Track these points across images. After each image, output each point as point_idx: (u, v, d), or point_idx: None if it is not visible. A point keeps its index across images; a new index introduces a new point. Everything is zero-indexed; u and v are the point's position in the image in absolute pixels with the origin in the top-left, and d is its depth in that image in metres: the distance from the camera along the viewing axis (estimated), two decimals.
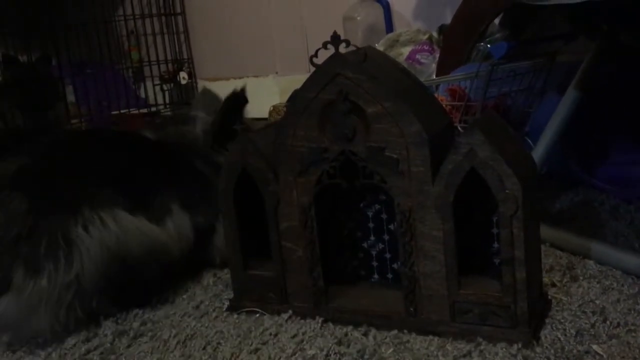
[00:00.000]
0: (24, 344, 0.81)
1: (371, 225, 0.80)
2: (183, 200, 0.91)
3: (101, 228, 0.81)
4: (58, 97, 2.01)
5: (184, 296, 0.90)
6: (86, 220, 0.81)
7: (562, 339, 0.69)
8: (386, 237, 0.80)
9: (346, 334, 0.75)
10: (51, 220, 0.80)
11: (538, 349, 0.68)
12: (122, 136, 1.01)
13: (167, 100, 2.41)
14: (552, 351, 0.67)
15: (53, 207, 0.81)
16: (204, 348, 0.75)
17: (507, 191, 0.67)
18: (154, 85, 2.39)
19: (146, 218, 0.86)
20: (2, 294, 0.79)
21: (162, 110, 2.36)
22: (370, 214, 0.80)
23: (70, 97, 2.16)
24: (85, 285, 0.80)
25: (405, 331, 0.74)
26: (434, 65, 1.58)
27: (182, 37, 2.39)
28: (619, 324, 0.72)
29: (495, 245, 0.74)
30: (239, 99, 1.01)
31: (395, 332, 0.74)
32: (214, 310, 0.85)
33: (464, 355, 0.68)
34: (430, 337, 0.72)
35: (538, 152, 1.02)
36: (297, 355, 0.72)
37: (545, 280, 0.81)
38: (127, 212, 0.84)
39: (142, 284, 0.85)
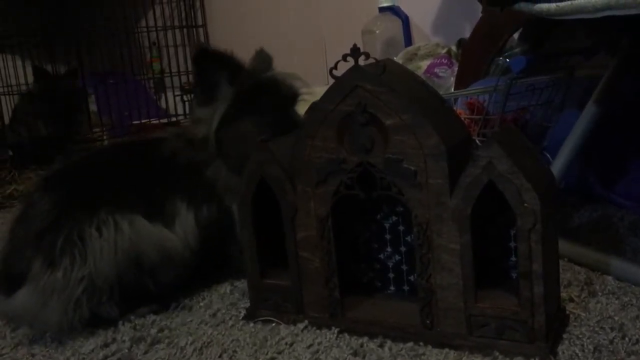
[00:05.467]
0: (40, 342, 0.83)
1: (388, 236, 0.81)
2: (189, 199, 0.92)
3: (114, 231, 0.84)
4: (81, 109, 2.06)
5: (201, 304, 0.91)
6: (101, 221, 0.84)
7: (580, 354, 0.69)
8: (403, 248, 0.80)
9: (362, 345, 0.75)
10: (70, 219, 0.84)
11: None
12: (142, 144, 1.04)
13: (187, 111, 2.44)
14: None
15: (74, 207, 0.85)
16: (220, 356, 0.76)
17: (525, 205, 0.67)
18: (174, 96, 2.42)
19: (163, 224, 0.89)
20: (20, 286, 0.82)
21: (182, 121, 2.38)
22: (387, 225, 0.80)
23: (93, 107, 2.20)
24: (97, 283, 0.83)
25: (421, 344, 0.73)
26: (452, 79, 1.59)
27: None
28: (637, 340, 0.71)
29: (513, 258, 0.74)
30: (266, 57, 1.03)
31: (411, 344, 0.74)
32: (230, 319, 0.85)
33: None
34: (447, 350, 0.72)
35: (556, 167, 1.01)
36: None
37: (563, 295, 0.80)
38: (144, 219, 0.86)
39: (156, 287, 0.87)
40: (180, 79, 2.42)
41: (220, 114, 0.91)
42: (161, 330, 0.84)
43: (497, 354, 0.70)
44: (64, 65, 2.21)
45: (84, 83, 2.11)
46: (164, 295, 0.89)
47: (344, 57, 0.74)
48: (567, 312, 0.77)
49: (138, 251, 0.85)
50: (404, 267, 0.81)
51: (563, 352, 0.69)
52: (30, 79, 2.13)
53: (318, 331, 0.79)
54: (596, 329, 0.74)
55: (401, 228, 0.79)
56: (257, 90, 0.93)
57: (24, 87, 2.20)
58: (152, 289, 0.87)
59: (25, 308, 0.82)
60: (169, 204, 0.90)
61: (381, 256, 0.82)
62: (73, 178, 0.92)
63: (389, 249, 0.81)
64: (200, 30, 2.41)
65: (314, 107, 0.77)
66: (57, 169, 0.95)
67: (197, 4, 2.40)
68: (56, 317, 0.82)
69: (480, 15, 1.50)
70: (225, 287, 0.95)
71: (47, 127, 2.01)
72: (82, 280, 0.82)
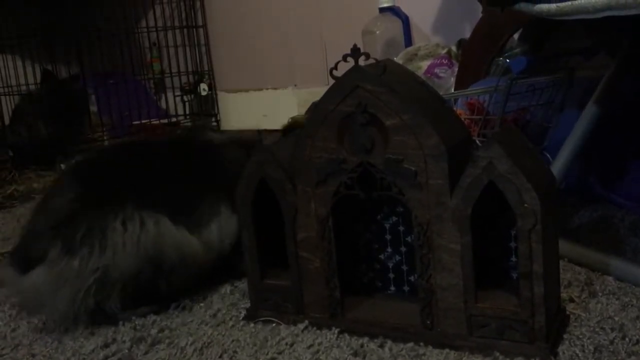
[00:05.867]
0: (41, 342, 0.83)
1: (388, 237, 0.81)
2: (232, 201, 0.93)
3: (138, 228, 0.85)
4: (83, 111, 2.08)
5: (202, 304, 0.91)
6: (127, 217, 0.85)
7: (580, 355, 0.69)
8: (403, 249, 0.80)
9: (362, 346, 0.75)
10: (93, 210, 0.85)
11: None
12: (180, 141, 1.05)
13: (187, 111, 2.44)
14: None
15: (99, 198, 0.86)
16: (221, 356, 0.76)
17: (525, 205, 0.67)
18: (174, 96, 2.42)
19: (187, 228, 0.89)
20: (37, 265, 0.83)
21: (182, 121, 2.39)
22: (387, 225, 0.80)
23: (93, 107, 2.20)
24: (111, 276, 0.84)
25: (422, 344, 0.73)
26: (452, 79, 1.59)
27: (203, 49, 2.43)
28: (638, 341, 0.71)
29: (513, 259, 0.74)
30: None
31: (411, 344, 0.74)
32: (230, 319, 0.85)
33: None
34: (447, 350, 0.72)
35: (557, 167, 1.01)
36: None
37: (564, 295, 0.80)
38: (170, 221, 0.87)
39: (168, 289, 0.88)
40: (180, 80, 2.42)
41: None
42: (161, 330, 0.84)
43: (497, 354, 0.70)
44: (64, 65, 2.21)
45: (84, 83, 2.11)
46: (172, 296, 0.90)
47: (344, 58, 0.74)
48: (568, 313, 0.77)
49: (161, 251, 0.85)
50: (404, 268, 0.81)
51: (563, 353, 0.69)
52: (31, 79, 2.14)
53: (318, 331, 0.79)
54: (596, 329, 0.74)
55: (401, 228, 0.79)
56: None
57: (24, 87, 2.20)
58: (163, 290, 0.88)
59: (36, 289, 0.83)
60: (207, 207, 0.91)
61: (381, 256, 0.82)
62: (104, 169, 0.92)
63: (389, 249, 0.81)
64: (201, 30, 2.41)
65: (314, 107, 0.77)
66: (88, 157, 0.96)
67: (197, 4, 2.39)
68: (64, 304, 0.83)
69: (480, 15, 1.50)
70: (226, 288, 0.95)
71: (48, 128, 2.01)
72: (96, 271, 0.83)
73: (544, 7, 0.81)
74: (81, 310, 0.83)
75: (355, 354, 0.73)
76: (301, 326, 0.80)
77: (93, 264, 0.83)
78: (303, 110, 2.07)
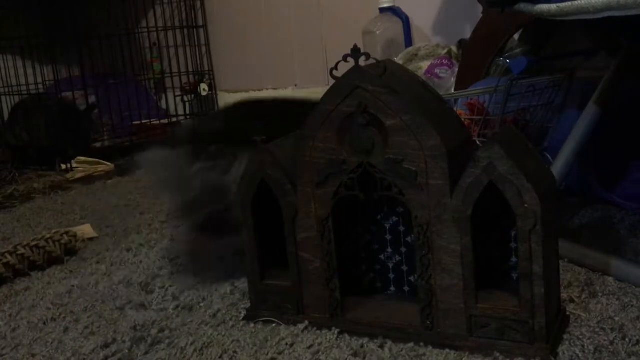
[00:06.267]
0: (41, 342, 0.83)
1: (388, 237, 0.81)
2: None
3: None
4: (87, 135, 2.10)
5: (202, 304, 0.91)
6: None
7: (580, 355, 0.69)
8: (403, 249, 0.80)
9: (362, 346, 0.75)
10: (235, 142, 0.93)
11: None
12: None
13: (188, 112, 2.44)
14: None
15: (240, 137, 0.91)
16: (221, 357, 0.76)
17: (526, 206, 0.67)
18: (175, 97, 2.42)
19: None
20: (173, 147, 0.94)
21: (182, 122, 2.39)
22: (387, 226, 0.80)
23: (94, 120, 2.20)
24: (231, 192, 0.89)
25: (422, 344, 0.74)
26: (452, 80, 1.59)
27: (203, 49, 2.43)
28: (638, 341, 0.71)
29: (514, 259, 0.74)
30: None
31: (411, 345, 0.74)
32: (230, 319, 0.85)
33: None
34: (447, 350, 0.72)
35: (557, 168, 1.01)
36: None
37: (564, 296, 0.80)
38: None
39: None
40: (180, 80, 2.42)
41: None
42: (161, 330, 0.84)
43: (497, 354, 0.70)
44: (64, 66, 2.21)
45: (84, 83, 2.11)
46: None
47: (345, 58, 0.74)
48: (568, 313, 0.77)
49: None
50: (405, 268, 0.81)
51: (563, 353, 0.69)
52: (31, 79, 2.14)
53: (318, 332, 0.79)
54: (597, 329, 0.74)
55: (402, 229, 0.79)
56: None
57: (23, 88, 2.20)
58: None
59: (164, 155, 0.92)
60: None
61: (382, 257, 0.82)
62: (251, 117, 1.00)
63: (389, 250, 0.81)
64: (201, 30, 2.41)
65: (315, 108, 0.77)
66: (250, 102, 1.10)
67: (197, 4, 2.40)
68: (163, 178, 0.95)
69: (480, 15, 1.50)
70: (226, 288, 0.95)
71: (49, 137, 2.01)
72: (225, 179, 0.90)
73: (544, 7, 0.81)
74: (181, 194, 0.91)
75: (355, 355, 0.73)
76: (301, 326, 0.80)
77: (219, 176, 0.89)
78: None
